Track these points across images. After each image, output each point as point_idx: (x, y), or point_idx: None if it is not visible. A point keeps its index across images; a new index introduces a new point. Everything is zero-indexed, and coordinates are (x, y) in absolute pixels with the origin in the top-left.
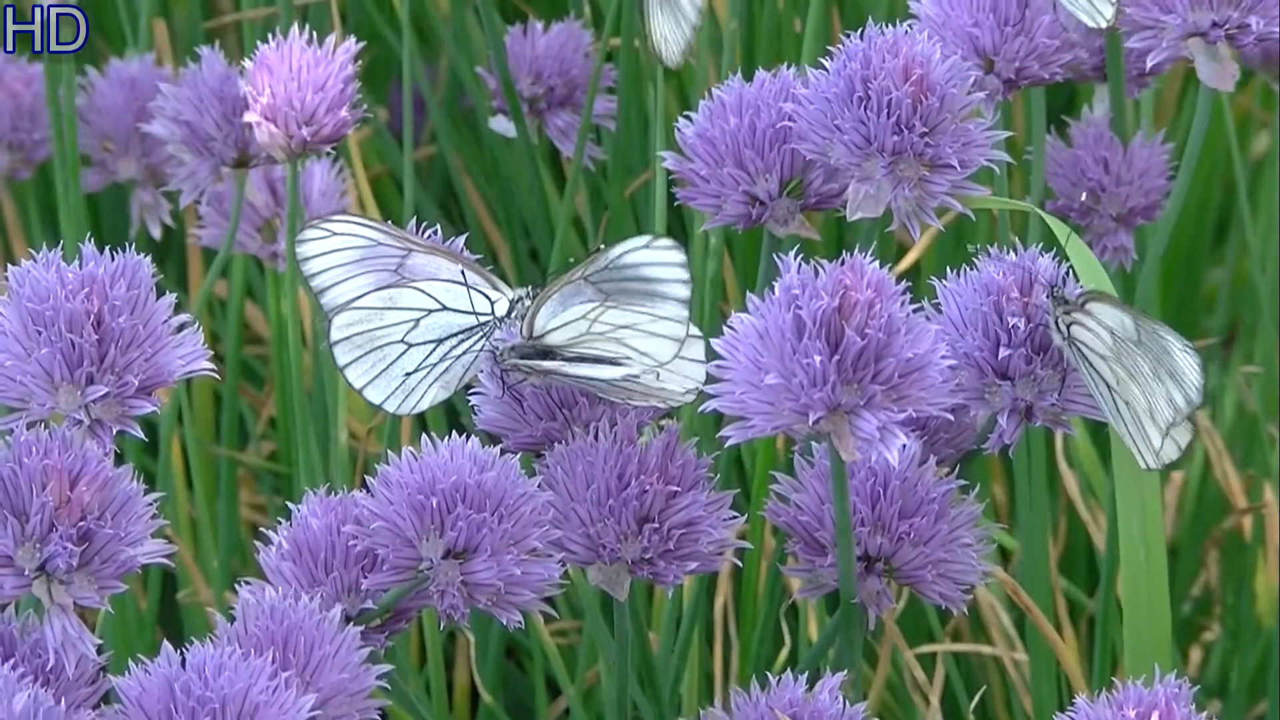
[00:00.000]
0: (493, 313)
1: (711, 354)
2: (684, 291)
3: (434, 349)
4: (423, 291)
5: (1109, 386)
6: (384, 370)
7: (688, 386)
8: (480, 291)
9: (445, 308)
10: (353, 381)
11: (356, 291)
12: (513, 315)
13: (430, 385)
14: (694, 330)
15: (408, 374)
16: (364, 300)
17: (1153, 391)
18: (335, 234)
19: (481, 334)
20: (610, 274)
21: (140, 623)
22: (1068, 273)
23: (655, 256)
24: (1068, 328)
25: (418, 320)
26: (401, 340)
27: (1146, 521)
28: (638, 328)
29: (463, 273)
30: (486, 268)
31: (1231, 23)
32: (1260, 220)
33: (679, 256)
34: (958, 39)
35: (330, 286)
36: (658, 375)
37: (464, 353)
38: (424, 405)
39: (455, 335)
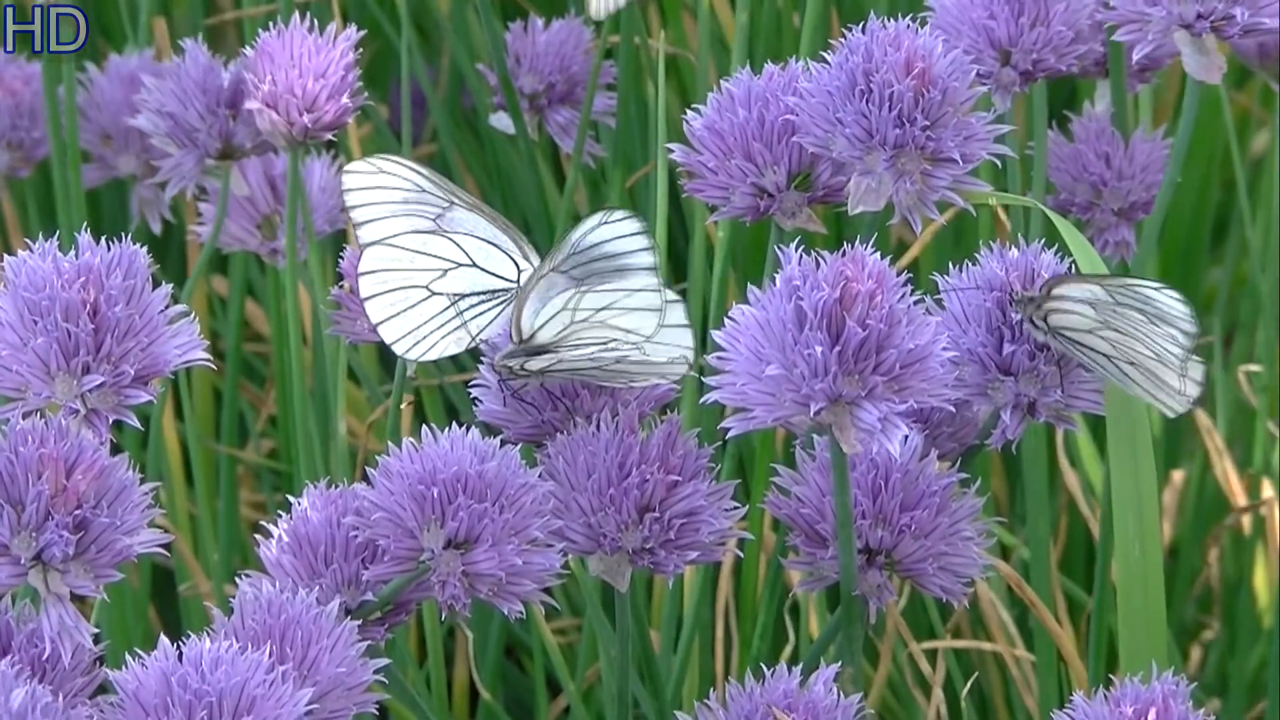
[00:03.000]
0: (518, 280)
1: (712, 345)
2: (649, 259)
3: (456, 302)
4: (456, 244)
5: (1108, 356)
6: (403, 311)
7: (674, 355)
8: (511, 257)
9: (475, 264)
10: (372, 317)
11: (394, 231)
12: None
13: (444, 337)
14: (669, 295)
15: (424, 321)
16: (398, 240)
17: (1154, 336)
18: (383, 172)
19: (504, 299)
20: (577, 259)
21: (139, 617)
22: (1070, 268)
23: (613, 230)
24: (1045, 320)
25: (446, 271)
26: (426, 286)
27: (1143, 519)
28: (616, 306)
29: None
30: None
31: (1217, 14)
32: (1260, 219)
33: (636, 225)
34: (974, 32)
35: (369, 222)
36: (642, 350)
37: (482, 313)
38: (433, 355)
39: (479, 294)
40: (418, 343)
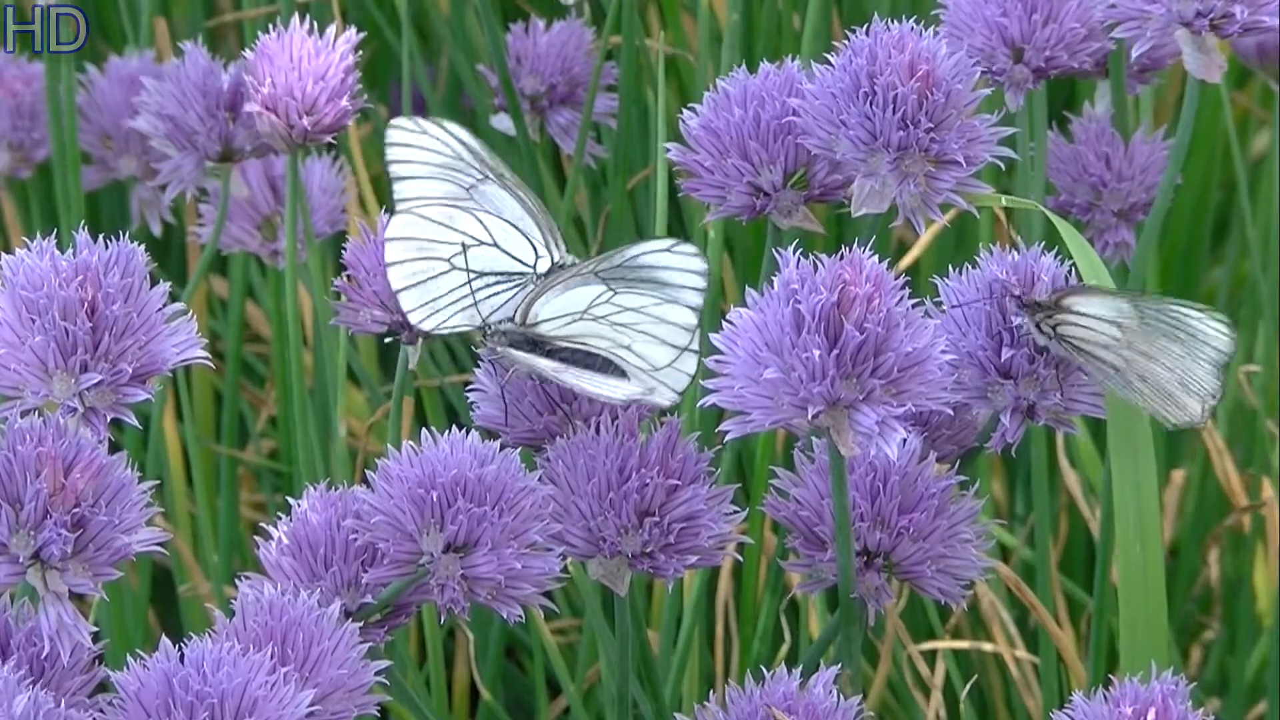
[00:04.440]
0: (534, 268)
1: (710, 351)
2: (696, 299)
3: (472, 279)
4: (481, 222)
5: (1117, 369)
6: (422, 282)
7: (674, 381)
8: (531, 243)
9: (496, 245)
10: (393, 284)
11: (427, 193)
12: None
13: (458, 312)
14: (694, 345)
15: (442, 294)
16: (426, 210)
17: (1184, 364)
18: (425, 133)
19: (518, 282)
20: (623, 271)
21: (138, 618)
22: (1070, 270)
23: (676, 261)
24: (1054, 329)
25: (467, 247)
26: (448, 260)
27: (1144, 519)
28: (639, 328)
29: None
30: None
31: (1216, 12)
32: (1260, 219)
33: (701, 265)
34: (986, 29)
35: (405, 179)
36: (654, 387)
37: (496, 294)
38: (446, 328)
39: (495, 274)
40: (432, 314)
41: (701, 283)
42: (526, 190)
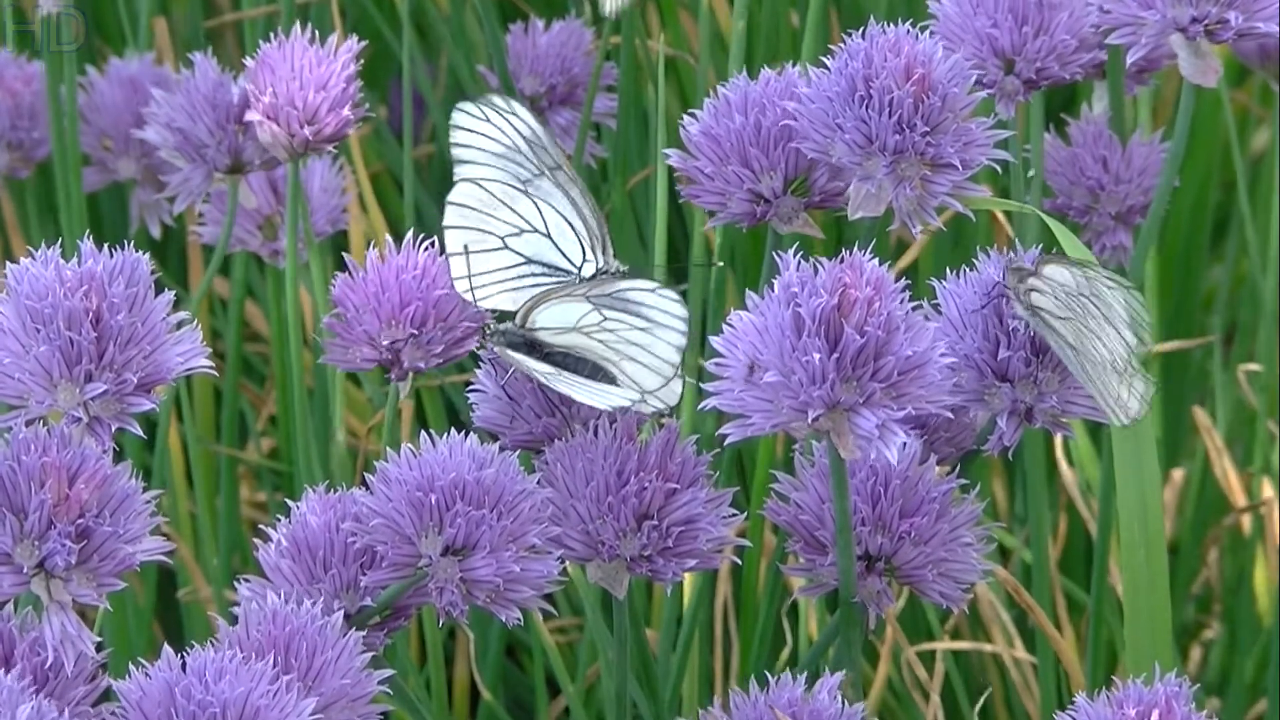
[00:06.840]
0: (580, 270)
1: (711, 354)
2: (679, 340)
3: (521, 264)
4: (539, 210)
5: (1074, 348)
6: (474, 253)
7: (663, 394)
8: (580, 243)
9: (549, 236)
10: (448, 246)
11: (484, 178)
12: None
13: (501, 292)
14: (679, 374)
15: (490, 269)
16: (491, 186)
17: (1112, 341)
18: (488, 120)
19: (559, 277)
20: (611, 302)
21: (140, 621)
22: None
23: (660, 303)
24: (1027, 294)
25: (522, 231)
26: (501, 238)
27: (1147, 522)
28: (625, 350)
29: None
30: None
31: (1211, 18)
32: (1260, 218)
33: (681, 311)
34: (977, 40)
35: (465, 163)
36: (644, 399)
37: (537, 284)
38: (486, 304)
39: (543, 265)
40: (476, 288)
41: (683, 326)
42: (583, 188)
